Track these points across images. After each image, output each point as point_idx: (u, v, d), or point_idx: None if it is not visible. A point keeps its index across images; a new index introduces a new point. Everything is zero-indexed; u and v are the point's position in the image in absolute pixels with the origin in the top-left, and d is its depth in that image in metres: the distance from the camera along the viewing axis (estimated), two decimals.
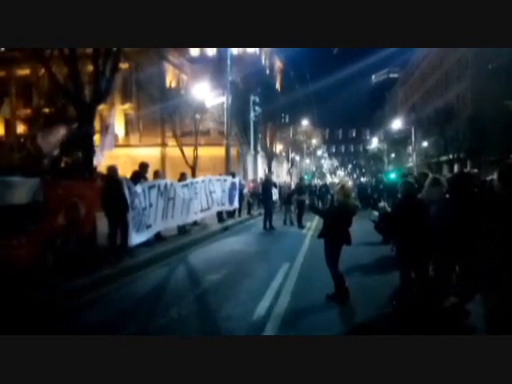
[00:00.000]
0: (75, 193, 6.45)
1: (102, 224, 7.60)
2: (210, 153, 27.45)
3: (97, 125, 9.93)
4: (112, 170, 7.98)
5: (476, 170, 25.21)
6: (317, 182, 40.80)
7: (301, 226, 13.92)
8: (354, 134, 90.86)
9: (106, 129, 12.98)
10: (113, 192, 7.17)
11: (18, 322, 4.42)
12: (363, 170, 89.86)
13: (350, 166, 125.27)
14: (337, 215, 5.41)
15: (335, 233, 5.37)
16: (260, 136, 37.84)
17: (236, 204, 14.79)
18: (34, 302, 4.92)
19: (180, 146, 22.56)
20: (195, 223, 11.94)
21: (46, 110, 19.38)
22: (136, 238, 7.60)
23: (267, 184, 14.31)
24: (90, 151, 8.61)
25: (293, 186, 17.46)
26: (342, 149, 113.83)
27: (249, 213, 17.28)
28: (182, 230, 10.67)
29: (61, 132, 11.36)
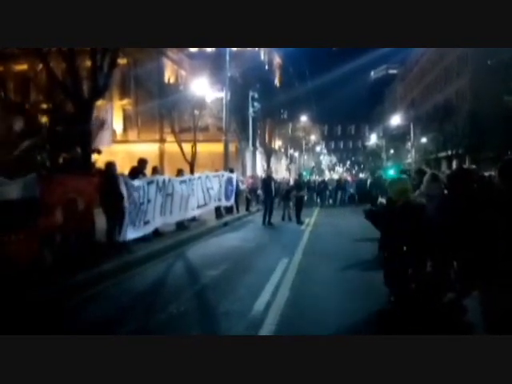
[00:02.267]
0: (73, 188, 6.44)
1: (101, 220, 7.60)
2: (209, 149, 27.39)
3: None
4: (110, 166, 7.96)
5: (474, 166, 25.24)
6: (315, 178, 40.87)
7: (299, 221, 13.95)
8: (352, 131, 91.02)
9: (101, 125, 12.92)
10: (111, 188, 7.15)
11: (18, 319, 4.41)
12: (362, 167, 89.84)
13: (348, 162, 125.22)
14: (396, 220, 4.13)
15: (400, 242, 4.22)
16: (259, 132, 37.78)
17: (232, 200, 14.74)
18: (32, 299, 4.91)
19: (178, 141, 22.53)
20: (193, 219, 11.95)
21: (44, 106, 19.28)
22: (132, 234, 7.59)
23: (268, 180, 14.31)
24: (87, 147, 8.60)
25: (291, 182, 17.47)
26: (341, 145, 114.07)
27: (247, 209, 17.28)
28: (181, 225, 10.67)
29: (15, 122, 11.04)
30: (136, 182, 7.77)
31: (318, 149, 77.40)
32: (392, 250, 4.38)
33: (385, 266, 4.78)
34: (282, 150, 50.39)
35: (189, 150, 22.11)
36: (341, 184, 25.15)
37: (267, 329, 4.26)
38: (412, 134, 42.37)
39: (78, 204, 6.47)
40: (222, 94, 19.50)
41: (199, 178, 11.98)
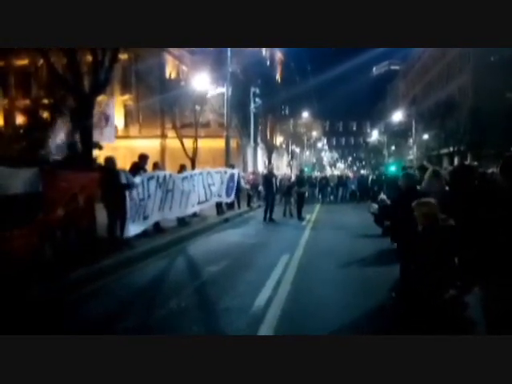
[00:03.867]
0: (74, 183, 6.43)
1: (102, 215, 7.59)
2: (210, 145, 27.35)
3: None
4: (109, 160, 7.94)
5: (476, 163, 25.18)
6: (317, 174, 40.83)
7: (300, 217, 13.94)
8: (354, 127, 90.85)
9: (106, 120, 12.88)
10: (111, 183, 7.15)
11: (18, 316, 4.41)
12: (363, 163, 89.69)
13: (350, 158, 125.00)
14: (420, 244, 3.77)
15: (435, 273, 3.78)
16: (260, 128, 37.69)
17: (232, 197, 14.68)
18: (33, 295, 4.91)
19: (180, 137, 22.47)
20: (194, 215, 11.95)
21: (45, 101, 19.27)
22: (132, 229, 7.59)
23: (269, 176, 14.28)
24: (89, 142, 8.59)
25: (293, 179, 17.45)
26: (343, 141, 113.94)
27: (248, 205, 17.27)
28: (182, 221, 10.67)
29: None
30: (137, 179, 7.78)
31: (319, 145, 77.31)
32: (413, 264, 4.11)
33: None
34: (284, 146, 50.27)
35: (190, 145, 22.05)
36: (342, 180, 25.15)
37: (268, 324, 4.27)
38: (414, 131, 42.27)
39: (79, 199, 6.46)
40: (223, 90, 19.43)
41: (200, 173, 11.96)
